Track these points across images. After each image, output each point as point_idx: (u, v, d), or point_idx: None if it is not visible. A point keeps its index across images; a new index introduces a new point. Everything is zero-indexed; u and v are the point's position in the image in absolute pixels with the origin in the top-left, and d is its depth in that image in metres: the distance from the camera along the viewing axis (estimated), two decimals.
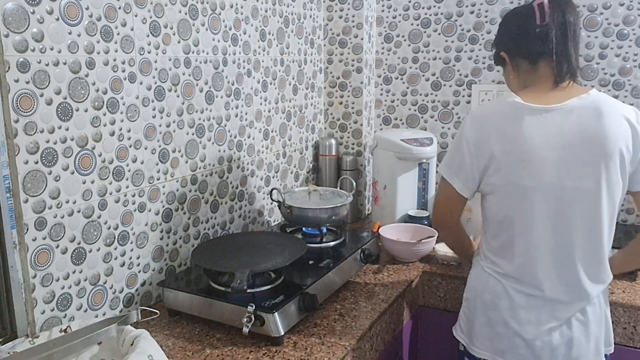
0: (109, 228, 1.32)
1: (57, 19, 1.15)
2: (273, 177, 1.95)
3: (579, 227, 1.19)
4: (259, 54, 1.81)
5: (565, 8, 1.20)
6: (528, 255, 1.21)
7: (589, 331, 1.22)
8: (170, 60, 1.45)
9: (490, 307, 1.25)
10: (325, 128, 2.26)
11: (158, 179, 1.45)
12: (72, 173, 1.21)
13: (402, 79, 2.23)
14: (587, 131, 1.16)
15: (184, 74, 1.50)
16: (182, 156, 1.52)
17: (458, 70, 2.12)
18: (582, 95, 1.19)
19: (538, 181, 1.17)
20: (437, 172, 2.04)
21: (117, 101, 1.31)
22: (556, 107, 1.18)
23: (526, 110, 1.19)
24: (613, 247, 1.66)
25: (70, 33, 1.18)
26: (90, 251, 1.27)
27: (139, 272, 1.42)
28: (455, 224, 1.37)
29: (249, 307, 1.22)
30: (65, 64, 1.17)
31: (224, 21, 1.63)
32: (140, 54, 1.36)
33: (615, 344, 1.48)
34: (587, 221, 1.19)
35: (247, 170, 1.80)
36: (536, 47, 1.22)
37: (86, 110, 1.23)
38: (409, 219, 1.93)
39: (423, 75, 2.19)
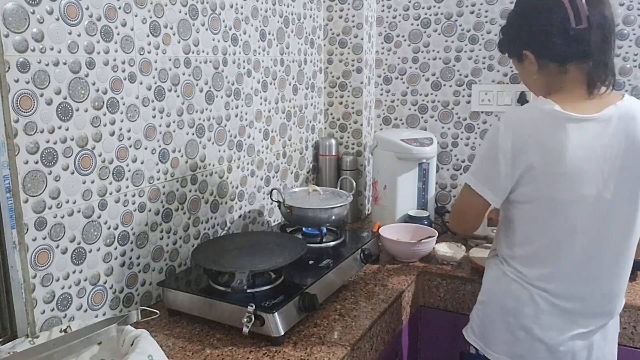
0: (109, 228, 1.32)
1: (57, 19, 1.15)
2: (273, 177, 1.95)
3: (614, 240, 1.16)
4: (259, 54, 1.81)
5: (602, 6, 1.12)
6: (560, 265, 1.17)
7: (607, 334, 1.22)
8: (170, 60, 1.45)
9: (512, 313, 1.21)
10: (325, 128, 2.26)
11: (158, 179, 1.45)
12: (72, 173, 1.21)
13: (402, 79, 2.23)
14: (625, 142, 1.11)
15: (184, 74, 1.50)
16: (182, 156, 1.52)
17: (458, 70, 2.12)
18: (617, 103, 1.13)
19: (577, 194, 1.12)
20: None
21: (117, 101, 1.31)
22: (595, 116, 1.11)
23: (566, 120, 1.11)
24: None
25: (70, 33, 1.18)
26: (90, 251, 1.27)
27: (139, 272, 1.42)
28: (476, 229, 1.32)
29: (249, 307, 1.22)
30: (65, 64, 1.17)
31: (224, 21, 1.63)
32: (140, 54, 1.36)
33: None
34: (621, 235, 1.16)
35: (247, 170, 1.80)
36: (569, 50, 1.13)
37: (86, 110, 1.23)
38: (409, 219, 1.93)
39: (423, 75, 2.19)
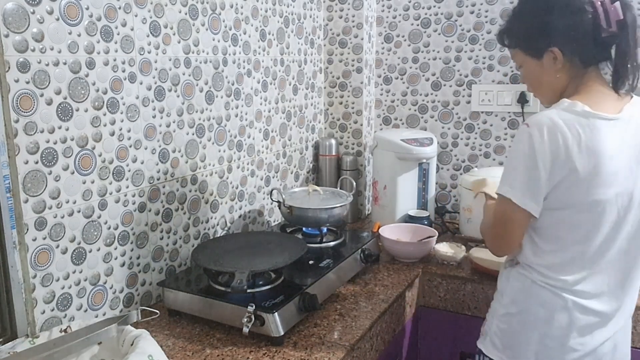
0: (109, 228, 1.32)
1: (57, 19, 1.15)
2: (273, 177, 1.95)
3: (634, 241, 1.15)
4: (259, 54, 1.81)
5: (632, 10, 1.10)
6: (597, 268, 1.14)
7: (627, 332, 1.23)
8: (170, 60, 1.45)
9: (545, 323, 1.16)
10: (325, 128, 2.26)
11: (158, 179, 1.45)
12: (72, 173, 1.21)
13: (402, 79, 2.23)
14: None
15: (184, 74, 1.50)
16: (182, 156, 1.52)
17: (458, 70, 2.12)
18: (632, 102, 1.15)
19: (614, 195, 1.09)
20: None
21: (117, 101, 1.31)
22: (619, 116, 1.11)
23: (599, 120, 1.09)
24: None
25: (70, 33, 1.18)
26: (90, 251, 1.27)
27: (139, 272, 1.42)
28: (518, 247, 1.20)
29: (249, 307, 1.22)
30: (65, 64, 1.17)
31: (224, 21, 1.63)
32: (140, 54, 1.36)
33: None
34: None
35: (247, 170, 1.80)
36: (597, 53, 1.13)
37: (86, 110, 1.23)
38: (409, 219, 1.93)
39: (423, 75, 2.19)
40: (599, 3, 1.09)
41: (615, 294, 1.16)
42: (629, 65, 1.12)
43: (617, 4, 1.08)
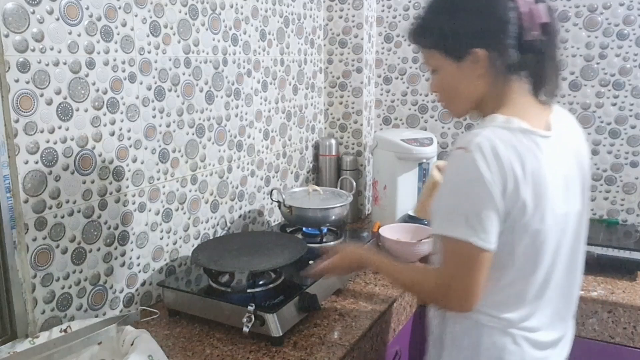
0: (109, 228, 1.32)
1: (57, 19, 1.15)
2: (273, 177, 1.95)
3: (580, 260, 1.09)
4: (259, 54, 1.81)
5: (554, 15, 1.01)
6: (543, 300, 1.04)
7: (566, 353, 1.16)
8: (170, 60, 1.45)
9: None
10: (325, 128, 2.26)
11: (158, 179, 1.45)
12: (72, 173, 1.21)
13: (402, 79, 2.23)
14: (574, 158, 1.05)
15: (184, 74, 1.50)
16: (182, 156, 1.52)
17: None
18: (555, 113, 1.06)
19: (553, 223, 0.99)
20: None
21: (117, 101, 1.31)
22: (551, 133, 1.01)
23: (538, 139, 0.98)
24: (615, 248, 1.67)
25: (70, 33, 1.18)
26: (90, 251, 1.27)
27: (139, 272, 1.42)
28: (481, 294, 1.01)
29: (249, 307, 1.22)
30: (65, 64, 1.17)
31: (224, 21, 1.63)
32: (140, 54, 1.36)
33: (615, 343, 1.49)
34: (582, 252, 1.10)
35: (247, 170, 1.80)
36: (521, 58, 1.00)
37: (86, 110, 1.23)
38: (409, 219, 1.92)
39: (423, 75, 2.19)
40: (523, 2, 0.97)
41: (557, 325, 1.09)
42: (554, 74, 1.04)
43: (542, 5, 0.98)
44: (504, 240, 0.98)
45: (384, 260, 1.20)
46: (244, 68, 1.73)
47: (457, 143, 0.99)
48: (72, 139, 1.20)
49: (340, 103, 2.22)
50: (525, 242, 0.99)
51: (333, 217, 1.67)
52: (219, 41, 1.61)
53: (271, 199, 1.89)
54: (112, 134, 1.30)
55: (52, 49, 1.14)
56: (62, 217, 1.20)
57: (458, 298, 1.01)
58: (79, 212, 1.24)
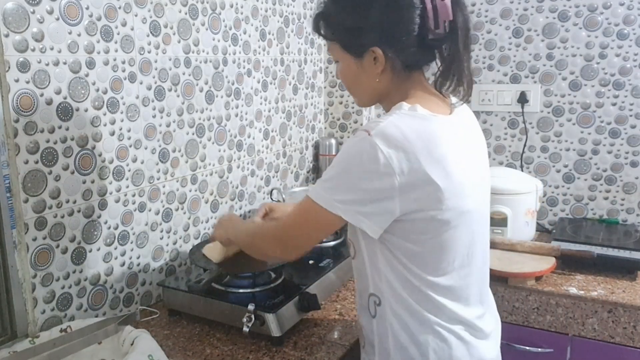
0: (109, 228, 1.32)
1: (57, 19, 1.15)
2: (273, 177, 1.95)
3: (487, 255, 1.09)
4: (259, 53, 1.81)
5: (464, 10, 0.97)
6: (476, 289, 1.04)
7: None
8: (170, 60, 1.45)
9: None
10: (325, 128, 2.26)
11: (158, 179, 1.45)
12: (72, 173, 1.21)
13: None
14: (477, 143, 1.05)
15: (184, 74, 1.50)
16: (182, 156, 1.52)
17: None
18: (462, 108, 1.05)
19: (474, 204, 0.99)
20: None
21: (117, 101, 1.31)
22: (450, 117, 1.00)
23: (440, 121, 0.96)
24: (615, 247, 1.66)
25: (70, 33, 1.18)
26: (90, 251, 1.27)
27: (139, 272, 1.42)
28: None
29: (249, 306, 1.22)
30: (65, 63, 1.17)
31: (224, 21, 1.63)
32: (140, 54, 1.36)
33: (615, 343, 1.49)
34: (487, 244, 1.09)
35: (247, 170, 1.80)
36: (422, 56, 1.00)
37: (86, 110, 1.23)
38: None
39: None
40: (430, 2, 0.94)
41: (489, 310, 1.08)
42: (453, 72, 1.00)
43: (448, 1, 0.94)
44: (433, 225, 0.94)
45: (239, 222, 1.26)
46: (244, 68, 1.73)
47: (362, 127, 0.96)
48: (72, 139, 1.20)
49: (340, 103, 2.22)
50: (456, 226, 0.95)
51: None
52: (219, 41, 1.61)
53: (271, 199, 1.88)
54: (112, 134, 1.30)
55: (52, 48, 1.14)
56: (62, 217, 1.20)
57: (296, 249, 1.05)
58: (79, 212, 1.24)
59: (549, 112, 1.99)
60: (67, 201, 1.21)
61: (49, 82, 1.14)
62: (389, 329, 1.00)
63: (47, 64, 1.13)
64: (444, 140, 0.94)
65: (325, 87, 2.23)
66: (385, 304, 1.00)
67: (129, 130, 1.35)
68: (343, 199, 0.92)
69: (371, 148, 0.89)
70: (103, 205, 1.30)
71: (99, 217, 1.29)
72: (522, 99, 2.00)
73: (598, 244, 1.66)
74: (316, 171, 2.21)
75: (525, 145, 2.03)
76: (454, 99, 1.05)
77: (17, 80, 1.08)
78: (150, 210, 1.43)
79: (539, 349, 1.55)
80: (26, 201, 1.12)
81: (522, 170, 2.02)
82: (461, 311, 1.00)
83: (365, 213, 0.92)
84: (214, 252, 1.30)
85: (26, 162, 1.11)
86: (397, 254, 0.97)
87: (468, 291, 1.01)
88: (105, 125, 1.28)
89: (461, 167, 0.95)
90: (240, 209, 1.79)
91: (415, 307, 0.98)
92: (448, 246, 0.96)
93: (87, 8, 1.21)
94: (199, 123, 1.57)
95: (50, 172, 1.16)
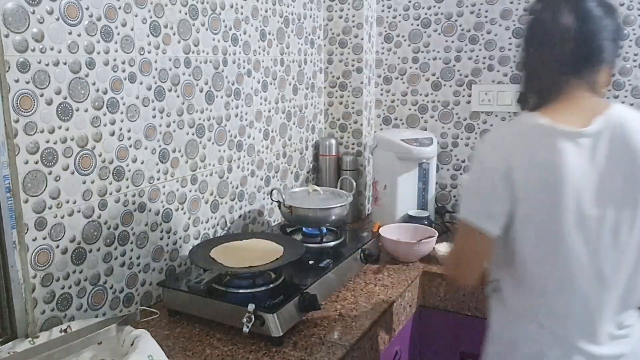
0: (109, 228, 1.32)
1: (57, 19, 1.15)
2: (273, 177, 1.95)
3: (616, 277, 1.05)
4: (259, 54, 1.81)
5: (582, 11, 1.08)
6: (567, 298, 1.05)
7: None
8: (170, 60, 1.45)
9: None
10: (325, 128, 2.26)
11: (158, 179, 1.45)
12: (72, 173, 1.21)
13: (402, 79, 2.23)
14: (621, 158, 1.03)
15: (184, 74, 1.50)
16: (182, 156, 1.52)
17: (458, 70, 2.12)
18: (610, 110, 1.06)
19: (576, 217, 1.01)
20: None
21: (117, 101, 1.31)
22: (585, 131, 1.03)
23: (558, 134, 1.03)
24: None
25: (70, 33, 1.18)
26: (90, 251, 1.27)
27: (139, 272, 1.42)
28: (475, 275, 1.12)
29: (249, 307, 1.22)
30: (65, 64, 1.17)
31: (224, 21, 1.63)
32: (140, 54, 1.36)
33: None
34: (626, 267, 1.06)
35: (247, 170, 1.80)
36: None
37: (86, 110, 1.23)
38: (409, 219, 1.92)
39: (423, 75, 2.19)
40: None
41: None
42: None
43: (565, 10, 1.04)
44: (518, 226, 1.03)
45: None
46: (244, 68, 1.73)
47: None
48: (72, 139, 1.20)
49: (340, 103, 2.22)
50: (541, 233, 1.02)
51: (333, 217, 1.67)
52: (219, 41, 1.61)
53: (271, 199, 1.89)
54: (112, 134, 1.30)
55: (52, 49, 1.14)
56: (62, 217, 1.20)
57: (448, 271, 1.20)
58: (79, 212, 1.24)
59: None
60: (67, 201, 1.21)
61: (49, 83, 1.14)
62: (494, 314, 1.15)
63: (47, 64, 1.13)
64: (549, 147, 1.03)
65: (325, 88, 2.23)
66: (499, 290, 1.14)
67: (129, 131, 1.35)
68: (465, 204, 1.09)
69: (481, 152, 1.09)
70: (103, 206, 1.30)
71: (99, 217, 1.29)
72: (522, 99, 2.00)
73: None
74: (316, 171, 2.22)
75: None
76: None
77: (17, 81, 1.08)
78: (150, 211, 1.43)
79: None
80: (26, 201, 1.12)
81: None
82: (541, 312, 1.08)
83: (482, 213, 1.07)
84: None
85: (26, 163, 1.11)
86: (505, 251, 1.10)
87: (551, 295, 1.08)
88: (105, 125, 1.28)
89: (572, 181, 1.03)
90: (240, 209, 1.79)
91: (504, 298, 1.12)
92: (525, 248, 1.07)
93: (87, 8, 1.21)
94: (199, 123, 1.57)
95: (50, 173, 1.16)
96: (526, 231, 1.04)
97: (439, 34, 2.13)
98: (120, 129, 1.32)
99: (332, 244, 1.66)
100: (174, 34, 1.45)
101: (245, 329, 1.21)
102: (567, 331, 1.04)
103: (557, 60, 1.05)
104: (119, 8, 1.29)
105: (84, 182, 1.24)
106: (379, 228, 1.82)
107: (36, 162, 1.13)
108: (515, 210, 1.03)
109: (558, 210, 1.00)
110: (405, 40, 2.20)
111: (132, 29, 1.33)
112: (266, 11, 1.82)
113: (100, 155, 1.28)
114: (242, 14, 1.70)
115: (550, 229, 1.02)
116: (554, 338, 1.05)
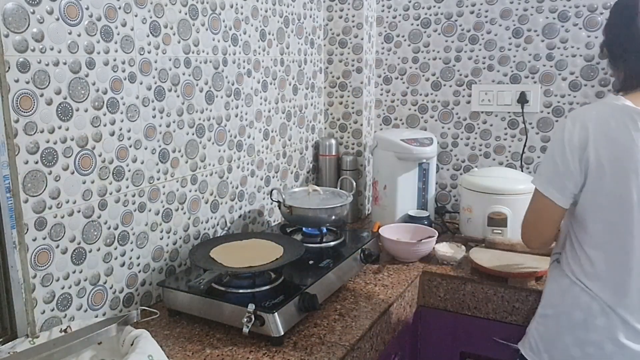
0: (109, 228, 1.32)
1: (57, 19, 1.15)
2: (273, 177, 1.95)
3: None
4: (259, 54, 1.81)
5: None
6: (633, 277, 1.10)
7: None
8: (170, 60, 1.45)
9: (582, 327, 1.13)
10: (325, 128, 2.26)
11: (158, 179, 1.45)
12: (72, 173, 1.21)
13: (402, 79, 2.23)
14: None
15: (184, 74, 1.50)
16: (182, 156, 1.52)
17: (458, 70, 2.12)
18: None
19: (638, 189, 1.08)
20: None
21: (117, 101, 1.31)
22: None
23: (637, 115, 1.10)
24: None
25: (70, 33, 1.18)
26: (90, 251, 1.27)
27: (139, 272, 1.42)
28: (548, 240, 1.25)
29: (249, 307, 1.22)
30: (65, 64, 1.17)
31: (224, 21, 1.63)
32: (140, 54, 1.36)
33: None
34: None
35: (247, 170, 1.80)
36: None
37: (86, 110, 1.23)
38: (409, 219, 1.92)
39: (423, 75, 2.19)
40: None
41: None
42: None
43: None
44: (588, 199, 1.12)
45: None
46: (244, 68, 1.73)
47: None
48: (72, 139, 1.20)
49: (340, 103, 2.22)
50: (611, 208, 1.09)
51: (333, 217, 1.67)
52: (219, 41, 1.61)
53: (271, 199, 1.89)
54: (112, 134, 1.30)
55: (52, 49, 1.14)
56: (62, 217, 1.20)
57: (523, 237, 1.27)
58: (79, 212, 1.24)
59: (549, 113, 1.99)
60: (67, 201, 1.21)
61: (49, 83, 1.14)
62: (550, 281, 1.25)
63: (47, 64, 1.13)
64: (628, 127, 1.09)
65: (325, 88, 2.23)
66: (559, 263, 1.23)
67: (129, 131, 1.35)
68: (539, 173, 1.20)
69: (562, 126, 1.15)
70: (103, 206, 1.30)
71: (99, 217, 1.29)
72: (522, 99, 2.00)
73: None
74: (316, 171, 2.22)
75: (525, 146, 2.03)
76: None
77: (17, 81, 1.08)
78: (150, 211, 1.43)
79: None
80: (26, 201, 1.12)
81: (522, 171, 2.02)
82: (601, 284, 1.15)
83: (552, 183, 1.16)
84: None
85: (26, 163, 1.11)
86: (572, 222, 1.20)
87: (615, 270, 1.15)
88: (105, 125, 1.28)
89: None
90: (240, 209, 1.79)
91: (570, 267, 1.19)
92: (595, 225, 1.16)
93: (87, 8, 1.21)
94: (198, 123, 1.57)
95: (50, 173, 1.16)
96: (594, 204, 1.11)
97: (439, 34, 2.13)
98: (120, 129, 1.32)
99: (332, 244, 1.66)
100: (174, 34, 1.45)
101: (245, 329, 1.21)
102: (617, 304, 1.11)
103: None
104: (119, 8, 1.29)
105: (84, 182, 1.24)
106: (378, 228, 1.82)
107: (36, 162, 1.13)
108: (586, 182, 1.11)
109: (626, 186, 1.07)
110: (405, 40, 2.20)
111: (132, 29, 1.33)
112: (266, 11, 1.82)
113: (100, 155, 1.28)
114: (242, 14, 1.70)
115: (616, 205, 1.09)
116: (602, 309, 1.12)
